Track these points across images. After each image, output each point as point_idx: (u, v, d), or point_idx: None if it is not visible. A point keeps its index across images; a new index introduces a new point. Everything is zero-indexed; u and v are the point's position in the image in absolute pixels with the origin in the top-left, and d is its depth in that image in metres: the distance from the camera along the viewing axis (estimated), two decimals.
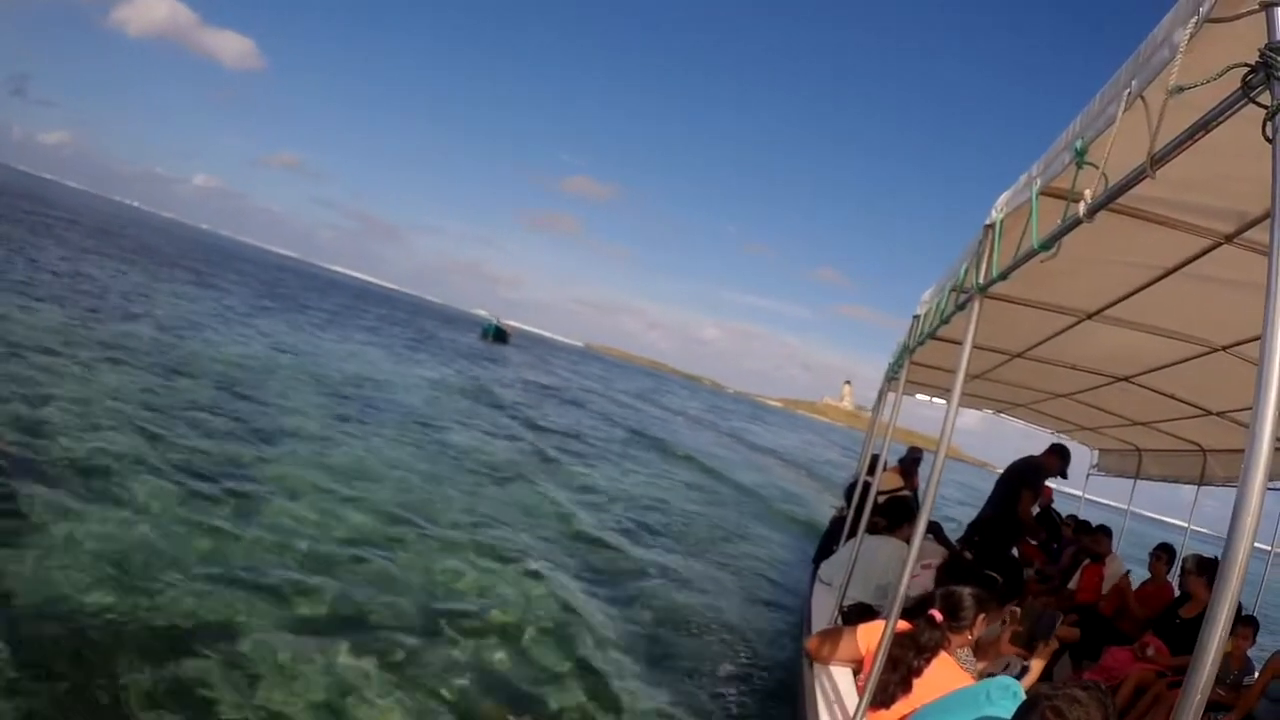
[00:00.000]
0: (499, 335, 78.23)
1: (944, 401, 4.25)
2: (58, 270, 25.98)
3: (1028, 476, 8.66)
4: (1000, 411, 10.25)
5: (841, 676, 4.78)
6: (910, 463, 11.23)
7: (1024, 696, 3.04)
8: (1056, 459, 9.04)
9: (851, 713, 4.12)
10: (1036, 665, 4.19)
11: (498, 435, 20.43)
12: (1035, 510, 9.36)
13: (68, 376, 12.76)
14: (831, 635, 4.61)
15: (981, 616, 3.89)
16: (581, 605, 8.95)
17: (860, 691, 4.10)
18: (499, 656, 7.11)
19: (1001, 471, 9.13)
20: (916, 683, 3.82)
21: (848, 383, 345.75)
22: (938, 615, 3.78)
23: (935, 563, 6.23)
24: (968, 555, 7.13)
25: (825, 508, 23.42)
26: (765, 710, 7.12)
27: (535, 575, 9.47)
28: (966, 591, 3.88)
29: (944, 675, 3.80)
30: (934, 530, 8.73)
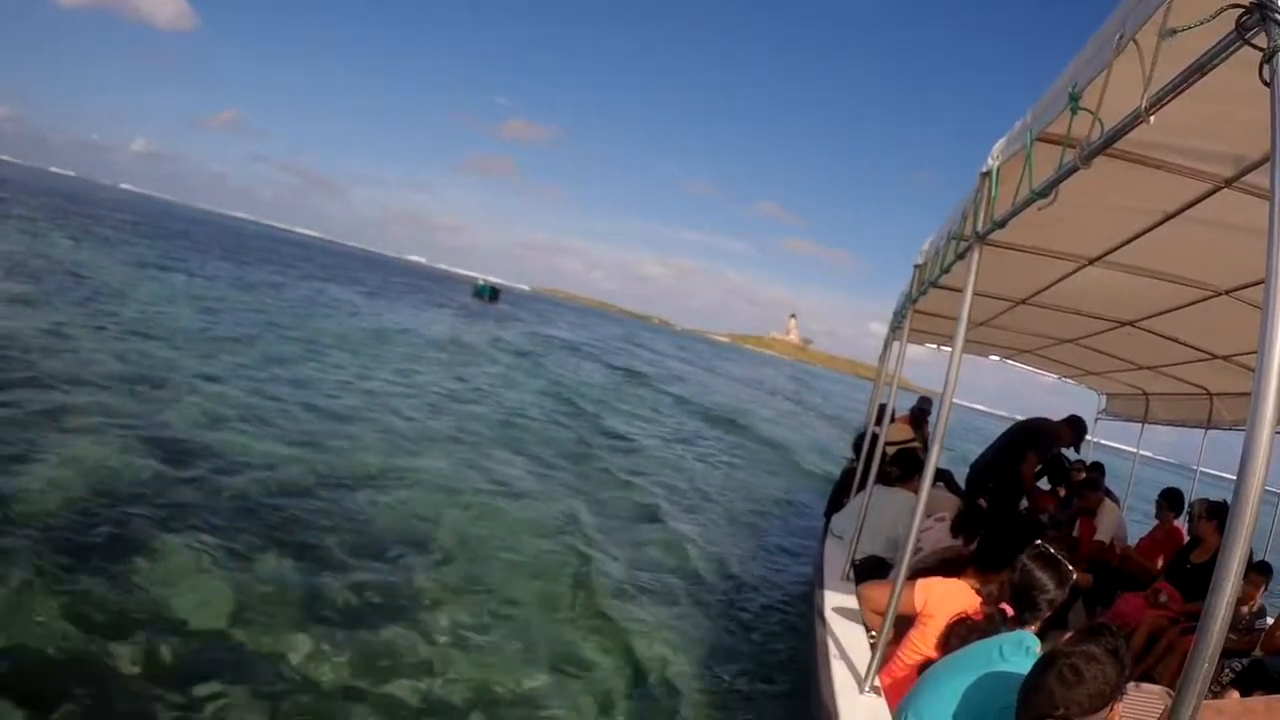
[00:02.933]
0: (493, 295, 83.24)
1: (950, 350, 4.28)
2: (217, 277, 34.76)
3: (1037, 439, 8.58)
4: (1007, 358, 10.20)
5: (853, 633, 4.78)
6: (920, 413, 11.08)
7: (1038, 652, 3.02)
8: (1070, 432, 9.01)
9: (863, 671, 4.13)
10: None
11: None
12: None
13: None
14: (886, 586, 4.45)
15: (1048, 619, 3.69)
16: (598, 545, 9.41)
17: (872, 648, 4.12)
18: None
19: (1014, 420, 9.11)
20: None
21: (793, 316, 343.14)
22: (1008, 610, 3.63)
23: (948, 515, 6.18)
24: (982, 504, 7.06)
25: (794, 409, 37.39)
26: (776, 666, 7.14)
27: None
28: (1044, 597, 3.60)
29: None
30: (944, 479, 8.69)
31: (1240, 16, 1.70)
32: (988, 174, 3.60)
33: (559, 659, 6.37)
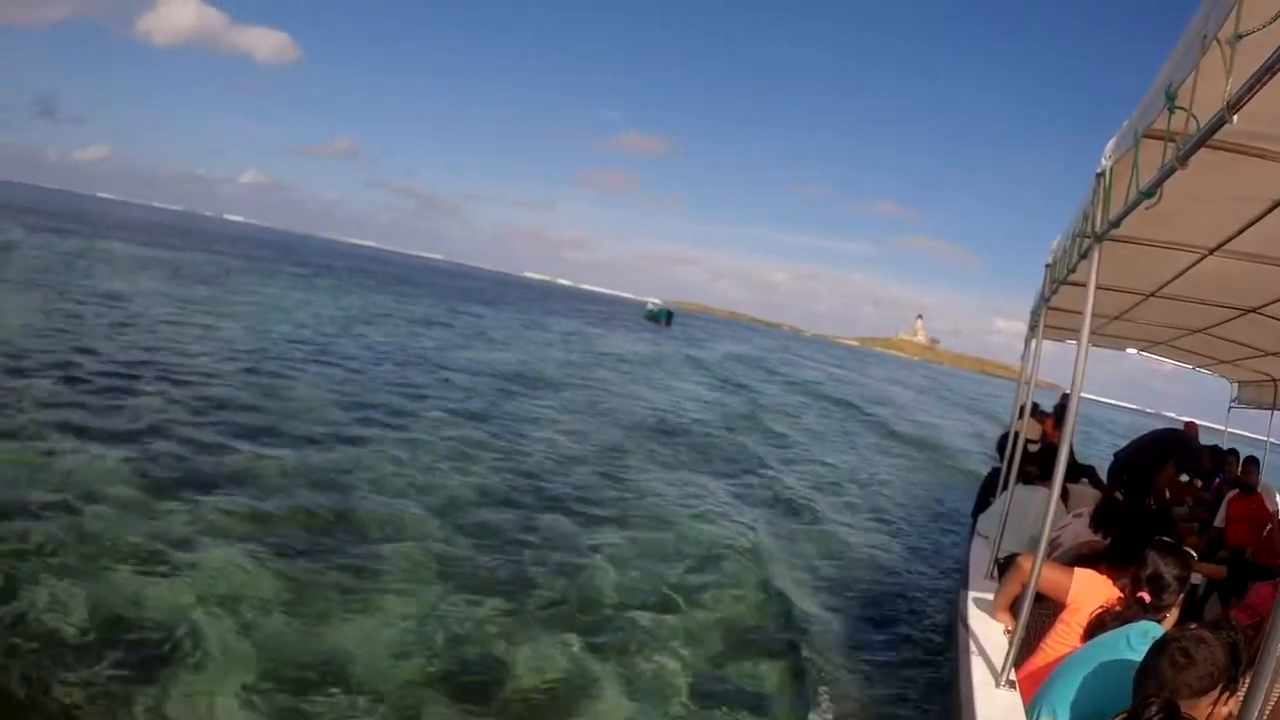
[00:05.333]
0: (668, 318, 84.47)
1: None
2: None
3: (1180, 455, 8.82)
4: (1143, 350, 10.02)
5: (994, 630, 4.79)
6: (1062, 410, 10.87)
7: None
8: (1211, 460, 9.44)
9: (1000, 666, 4.17)
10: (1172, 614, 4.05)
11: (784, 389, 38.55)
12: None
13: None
14: (1048, 564, 4.45)
15: (1178, 603, 3.74)
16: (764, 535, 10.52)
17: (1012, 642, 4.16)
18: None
19: (1157, 421, 9.09)
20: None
21: (919, 317, 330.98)
22: (1147, 597, 3.69)
23: (1088, 510, 6.12)
24: (1119, 496, 6.98)
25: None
26: (922, 660, 7.20)
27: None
28: (1171, 575, 3.70)
29: None
30: (1088, 474, 8.60)
31: None
32: (1101, 174, 3.64)
33: (711, 646, 6.83)
